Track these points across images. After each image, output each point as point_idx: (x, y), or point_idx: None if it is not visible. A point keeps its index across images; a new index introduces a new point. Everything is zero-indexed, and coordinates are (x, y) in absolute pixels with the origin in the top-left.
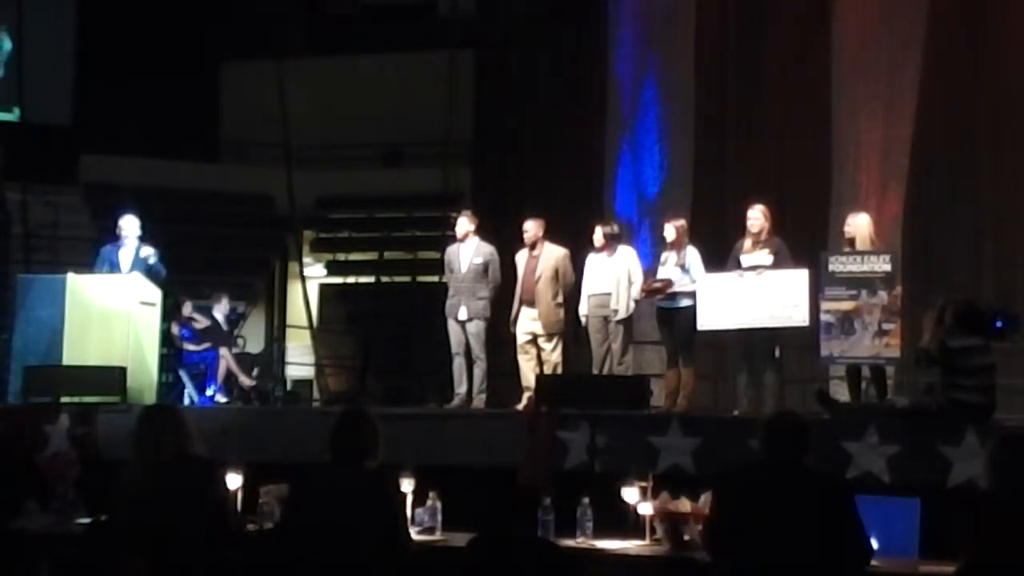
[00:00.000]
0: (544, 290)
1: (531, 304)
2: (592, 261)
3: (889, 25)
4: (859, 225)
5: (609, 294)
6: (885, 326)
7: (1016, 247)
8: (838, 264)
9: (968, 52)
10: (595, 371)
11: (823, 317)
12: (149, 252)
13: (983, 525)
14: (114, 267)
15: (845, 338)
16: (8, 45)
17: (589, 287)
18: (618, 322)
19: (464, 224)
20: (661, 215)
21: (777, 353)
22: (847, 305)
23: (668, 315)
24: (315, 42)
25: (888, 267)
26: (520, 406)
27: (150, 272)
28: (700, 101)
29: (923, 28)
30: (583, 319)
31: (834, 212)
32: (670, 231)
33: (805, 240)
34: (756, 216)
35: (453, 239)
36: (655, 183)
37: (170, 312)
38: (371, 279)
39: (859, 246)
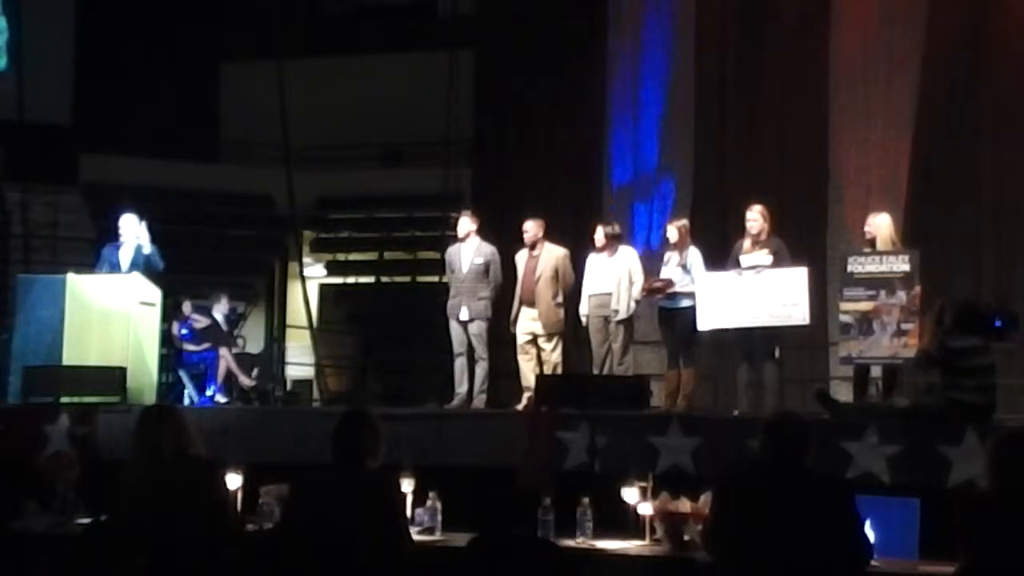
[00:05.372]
0: (544, 290)
1: (531, 304)
2: (593, 261)
3: (889, 25)
4: (880, 225)
5: (610, 294)
6: (904, 326)
7: (1016, 247)
8: (857, 265)
9: (968, 52)
10: (595, 371)
11: (841, 318)
12: (145, 242)
13: (983, 525)
14: (114, 267)
15: (864, 338)
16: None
17: (590, 287)
18: (619, 322)
19: (466, 224)
20: (660, 215)
21: (777, 353)
22: (865, 305)
23: (669, 315)
24: (315, 42)
25: (907, 267)
26: (520, 406)
27: (147, 263)
28: (700, 101)
29: (923, 28)
30: (583, 319)
31: (834, 212)
32: (673, 232)
33: (805, 240)
34: (755, 217)
35: (453, 239)
36: (655, 183)
37: (170, 312)
38: (371, 279)
39: (880, 246)
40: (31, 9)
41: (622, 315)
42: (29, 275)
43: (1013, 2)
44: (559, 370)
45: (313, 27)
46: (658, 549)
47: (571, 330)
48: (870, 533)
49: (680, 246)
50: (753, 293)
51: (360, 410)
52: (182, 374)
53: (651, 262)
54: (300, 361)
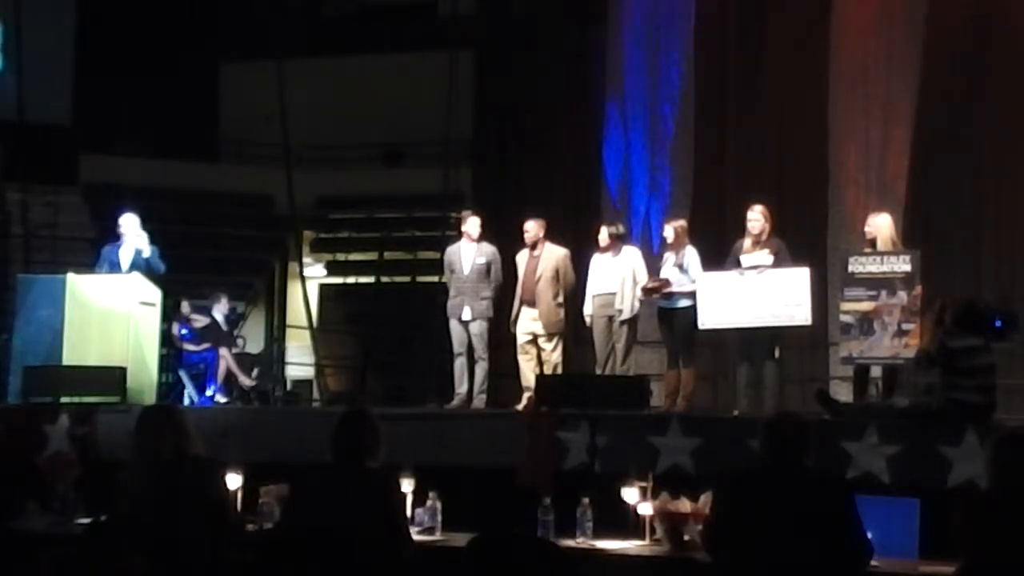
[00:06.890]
0: (544, 290)
1: (531, 304)
2: (597, 261)
3: (888, 24)
4: (880, 226)
5: (614, 294)
6: (905, 326)
7: (1016, 247)
8: (857, 265)
9: (968, 52)
10: (598, 371)
11: (842, 318)
12: (144, 245)
13: (983, 525)
14: (114, 267)
15: (864, 338)
16: None
17: (594, 287)
18: (623, 322)
19: (476, 224)
20: (660, 215)
21: (777, 353)
22: (866, 306)
23: (668, 315)
24: (315, 42)
25: (908, 267)
26: (520, 406)
27: (148, 266)
28: (700, 101)
29: (922, 27)
30: (587, 319)
31: (834, 212)
32: (669, 232)
33: (805, 240)
34: (756, 218)
35: (453, 239)
36: (655, 183)
37: (170, 312)
38: (371, 279)
39: (880, 246)
40: (31, 9)
41: (626, 315)
42: (29, 275)
43: (1013, 2)
44: (559, 370)
45: (313, 27)
46: (658, 549)
47: (571, 330)
48: (870, 534)
49: (677, 246)
50: (755, 293)
51: (360, 410)
52: (182, 374)
53: (651, 262)
54: (300, 361)
